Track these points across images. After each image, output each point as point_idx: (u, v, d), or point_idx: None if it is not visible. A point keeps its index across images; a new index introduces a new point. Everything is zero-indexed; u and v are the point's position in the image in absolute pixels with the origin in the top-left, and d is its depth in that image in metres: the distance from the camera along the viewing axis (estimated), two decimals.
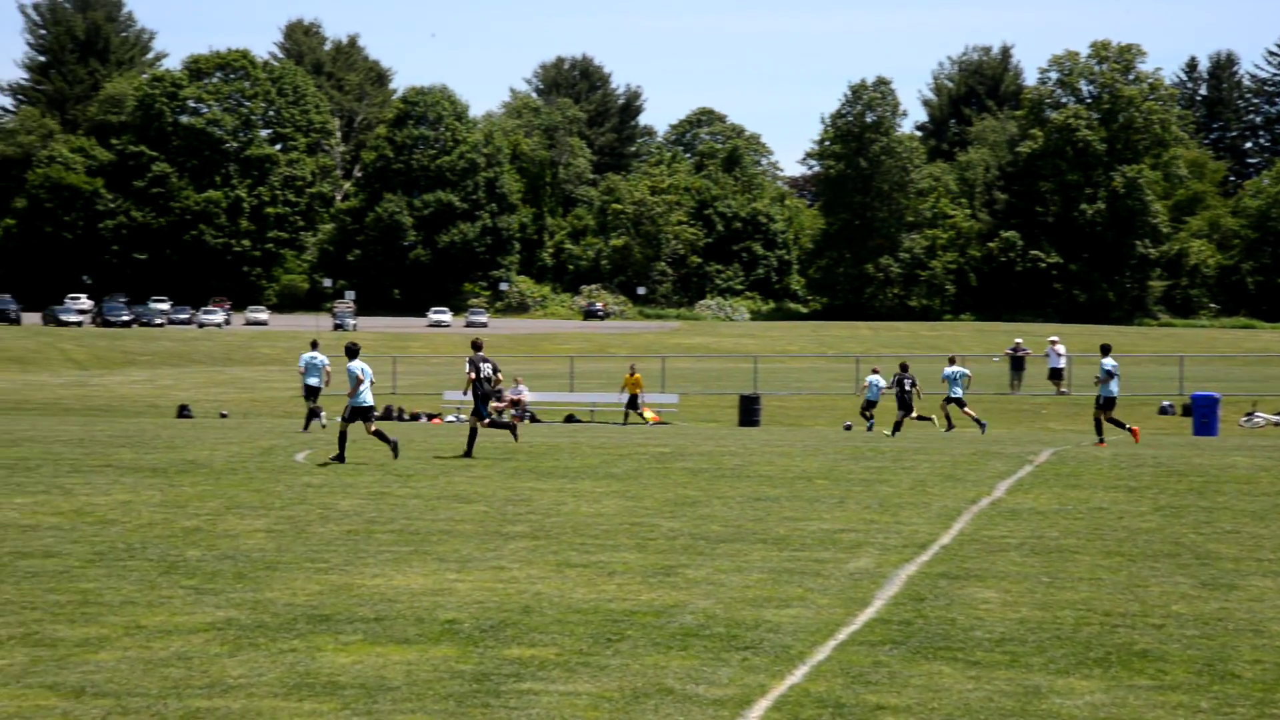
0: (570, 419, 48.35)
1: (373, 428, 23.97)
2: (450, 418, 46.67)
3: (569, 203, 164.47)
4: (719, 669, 9.28)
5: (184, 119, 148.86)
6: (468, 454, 24.62)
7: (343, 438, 23.73)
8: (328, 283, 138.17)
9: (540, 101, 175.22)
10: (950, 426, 37.66)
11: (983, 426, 36.06)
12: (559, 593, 11.82)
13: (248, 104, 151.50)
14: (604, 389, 52.05)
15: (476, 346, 25.81)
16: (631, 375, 44.70)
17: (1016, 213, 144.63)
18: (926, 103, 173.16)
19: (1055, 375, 52.34)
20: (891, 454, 25.96)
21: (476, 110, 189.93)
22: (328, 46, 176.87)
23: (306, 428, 32.39)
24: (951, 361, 38.04)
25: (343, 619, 10.61)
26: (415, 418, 46.14)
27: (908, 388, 37.34)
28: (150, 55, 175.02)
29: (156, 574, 12.46)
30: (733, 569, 13.12)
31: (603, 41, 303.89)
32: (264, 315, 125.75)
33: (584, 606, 11.21)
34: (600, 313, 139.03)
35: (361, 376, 23.69)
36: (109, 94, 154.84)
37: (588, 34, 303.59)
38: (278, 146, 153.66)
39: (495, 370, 25.50)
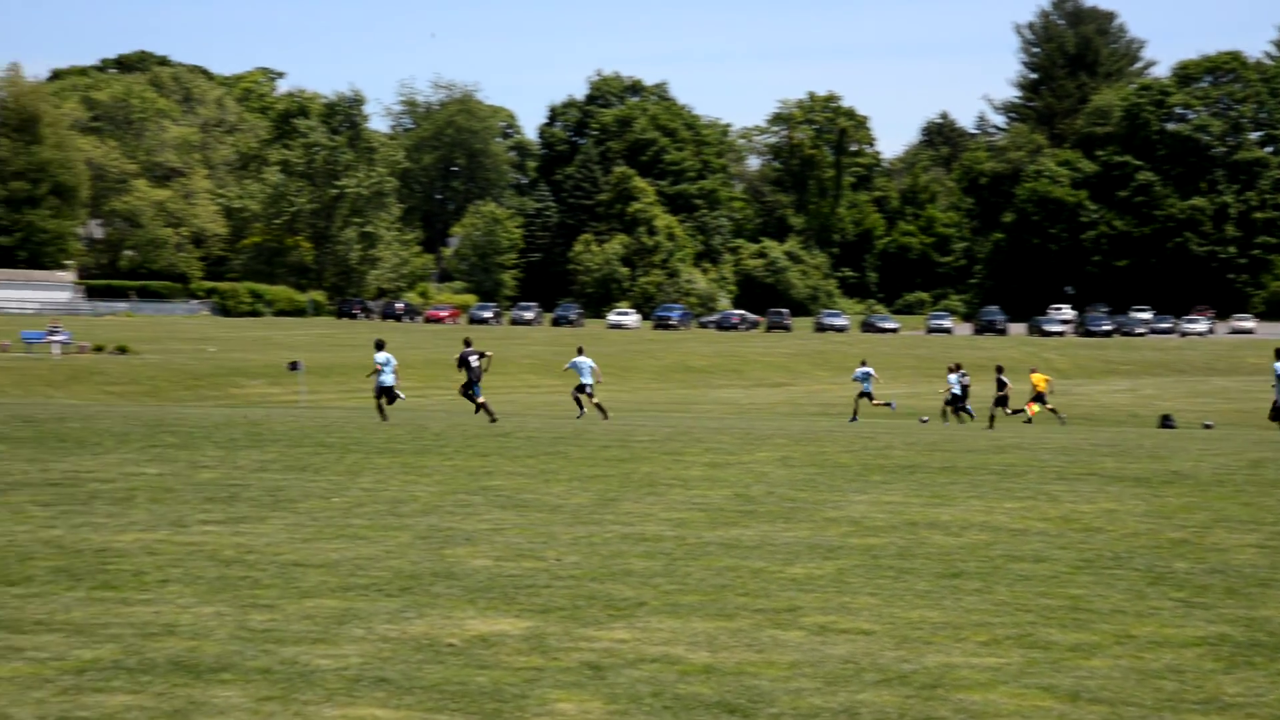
0: None
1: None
2: None
3: None
4: None
5: (1170, 126, 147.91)
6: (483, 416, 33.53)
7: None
8: None
9: None
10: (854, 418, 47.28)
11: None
12: None
13: (1237, 107, 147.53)
14: None
15: (467, 344, 34.61)
16: (1035, 373, 47.84)
17: None
18: None
19: None
20: None
21: None
22: None
23: None
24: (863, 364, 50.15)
25: None
26: None
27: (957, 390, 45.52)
28: (1138, 65, 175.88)
29: (1144, 584, 12.42)
30: None
31: None
32: (1250, 324, 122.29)
33: None
34: None
35: (380, 365, 31.18)
36: (1096, 106, 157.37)
37: None
38: (1268, 149, 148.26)
39: (482, 356, 33.85)
